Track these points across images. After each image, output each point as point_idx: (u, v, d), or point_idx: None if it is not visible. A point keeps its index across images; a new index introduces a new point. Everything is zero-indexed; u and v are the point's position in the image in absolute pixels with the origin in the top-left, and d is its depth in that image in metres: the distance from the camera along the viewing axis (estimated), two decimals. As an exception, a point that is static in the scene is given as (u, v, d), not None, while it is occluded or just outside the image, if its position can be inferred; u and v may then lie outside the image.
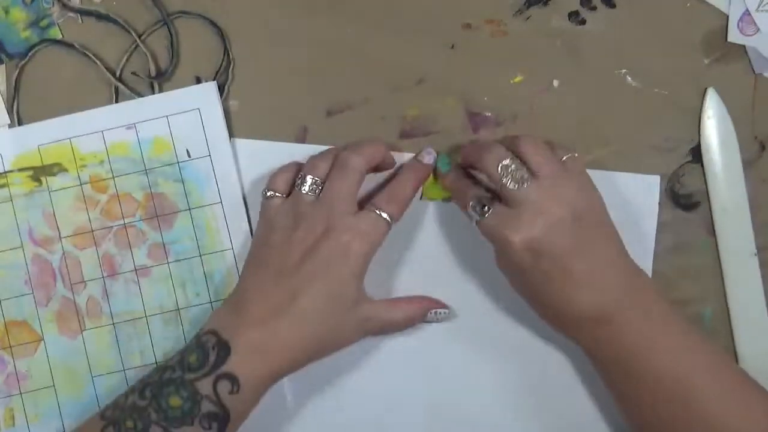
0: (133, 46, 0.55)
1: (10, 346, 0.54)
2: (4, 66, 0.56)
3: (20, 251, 0.54)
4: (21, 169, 0.54)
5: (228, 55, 0.55)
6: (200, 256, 0.54)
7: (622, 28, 0.55)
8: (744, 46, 0.55)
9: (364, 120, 0.55)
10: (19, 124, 0.55)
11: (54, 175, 0.55)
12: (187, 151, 0.55)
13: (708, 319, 0.55)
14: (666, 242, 0.54)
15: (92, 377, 0.54)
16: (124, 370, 0.54)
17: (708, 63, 0.55)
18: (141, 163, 0.55)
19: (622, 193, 0.54)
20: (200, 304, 0.54)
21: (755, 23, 0.54)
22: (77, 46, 0.55)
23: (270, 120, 0.55)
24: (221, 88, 0.55)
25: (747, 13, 0.54)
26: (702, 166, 0.55)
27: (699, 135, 0.55)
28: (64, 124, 0.54)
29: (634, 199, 0.54)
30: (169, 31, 0.55)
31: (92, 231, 0.55)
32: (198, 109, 0.54)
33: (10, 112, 0.55)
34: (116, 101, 0.55)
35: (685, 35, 0.55)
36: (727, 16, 0.55)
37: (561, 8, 0.55)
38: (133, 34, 0.55)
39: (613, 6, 0.55)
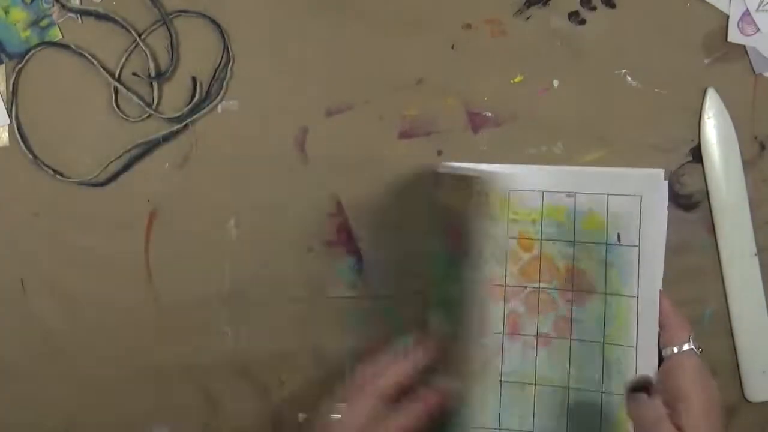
0: (133, 46, 0.55)
1: None
2: (3, 66, 0.56)
3: None
4: None
5: (228, 51, 0.55)
6: (603, 343, 0.52)
7: (622, 28, 0.55)
8: (744, 46, 0.55)
9: (364, 120, 0.55)
10: (18, 124, 0.55)
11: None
12: (618, 235, 0.52)
13: (708, 319, 0.55)
14: (666, 242, 0.54)
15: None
16: (499, 429, 0.53)
17: (708, 63, 0.55)
18: (571, 233, 0.53)
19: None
20: (590, 390, 0.52)
21: (755, 23, 0.54)
22: (74, 47, 0.55)
23: (270, 120, 0.55)
24: (220, 87, 0.55)
25: (747, 13, 0.54)
26: (702, 166, 0.55)
27: (699, 135, 0.55)
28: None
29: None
30: (169, 30, 0.55)
31: (505, 286, 0.53)
32: (640, 196, 0.52)
33: (9, 112, 0.55)
34: (115, 101, 0.55)
35: (685, 35, 0.55)
36: (727, 16, 0.55)
37: (561, 8, 0.55)
38: (133, 33, 0.55)
39: (613, 6, 0.55)
